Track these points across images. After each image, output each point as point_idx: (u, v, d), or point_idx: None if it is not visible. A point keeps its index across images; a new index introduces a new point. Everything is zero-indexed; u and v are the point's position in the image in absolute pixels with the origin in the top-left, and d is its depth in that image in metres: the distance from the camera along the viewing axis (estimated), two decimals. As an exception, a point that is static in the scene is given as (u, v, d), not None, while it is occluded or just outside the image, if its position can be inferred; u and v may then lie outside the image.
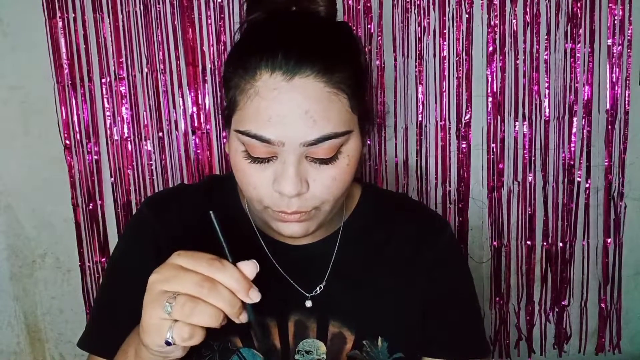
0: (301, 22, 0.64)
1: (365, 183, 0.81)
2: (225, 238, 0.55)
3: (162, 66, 1.29)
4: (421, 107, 1.32)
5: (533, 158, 1.34)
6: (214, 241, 0.72)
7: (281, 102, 0.57)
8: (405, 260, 0.75)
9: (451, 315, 0.75)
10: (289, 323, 0.72)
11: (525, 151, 1.33)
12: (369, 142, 1.33)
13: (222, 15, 1.27)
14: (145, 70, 1.29)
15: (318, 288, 0.72)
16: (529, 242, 1.38)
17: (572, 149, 1.33)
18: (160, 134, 1.31)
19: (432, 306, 0.75)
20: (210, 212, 0.55)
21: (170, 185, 1.33)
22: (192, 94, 1.30)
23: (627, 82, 1.30)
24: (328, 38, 0.62)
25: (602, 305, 1.42)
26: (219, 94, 1.30)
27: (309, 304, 0.72)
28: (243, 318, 0.53)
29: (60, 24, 1.26)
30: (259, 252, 0.72)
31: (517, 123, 1.32)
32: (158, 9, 1.26)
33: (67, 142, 1.31)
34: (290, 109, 0.57)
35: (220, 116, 1.29)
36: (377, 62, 1.29)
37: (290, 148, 0.58)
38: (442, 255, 0.76)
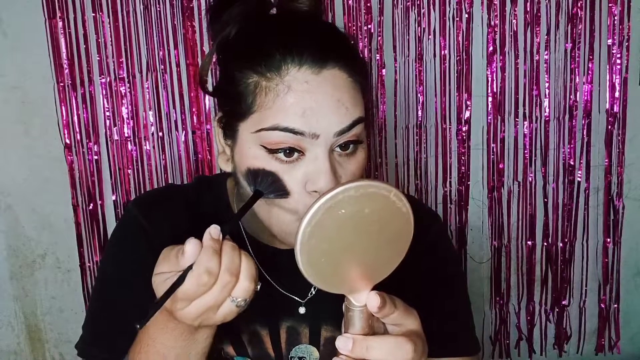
0: (306, 18, 0.64)
1: None
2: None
3: (162, 66, 1.28)
4: (421, 107, 1.32)
5: (533, 158, 1.34)
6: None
7: (314, 94, 0.56)
8: None
9: (437, 306, 0.71)
10: (280, 330, 0.70)
11: (525, 151, 1.33)
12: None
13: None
14: (145, 70, 1.29)
15: (309, 293, 0.71)
16: (529, 242, 1.38)
17: (572, 149, 1.33)
18: (160, 134, 1.31)
19: (421, 298, 0.70)
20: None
21: (171, 185, 1.33)
22: (192, 94, 1.30)
23: (627, 82, 1.30)
24: (338, 34, 0.63)
25: (602, 305, 1.42)
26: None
27: (302, 310, 0.70)
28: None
29: (60, 24, 1.26)
30: None
31: (517, 123, 1.32)
32: (158, 9, 1.26)
33: (67, 142, 1.31)
34: (324, 99, 0.56)
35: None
36: (377, 62, 1.30)
37: (323, 140, 0.57)
38: (431, 244, 0.73)
